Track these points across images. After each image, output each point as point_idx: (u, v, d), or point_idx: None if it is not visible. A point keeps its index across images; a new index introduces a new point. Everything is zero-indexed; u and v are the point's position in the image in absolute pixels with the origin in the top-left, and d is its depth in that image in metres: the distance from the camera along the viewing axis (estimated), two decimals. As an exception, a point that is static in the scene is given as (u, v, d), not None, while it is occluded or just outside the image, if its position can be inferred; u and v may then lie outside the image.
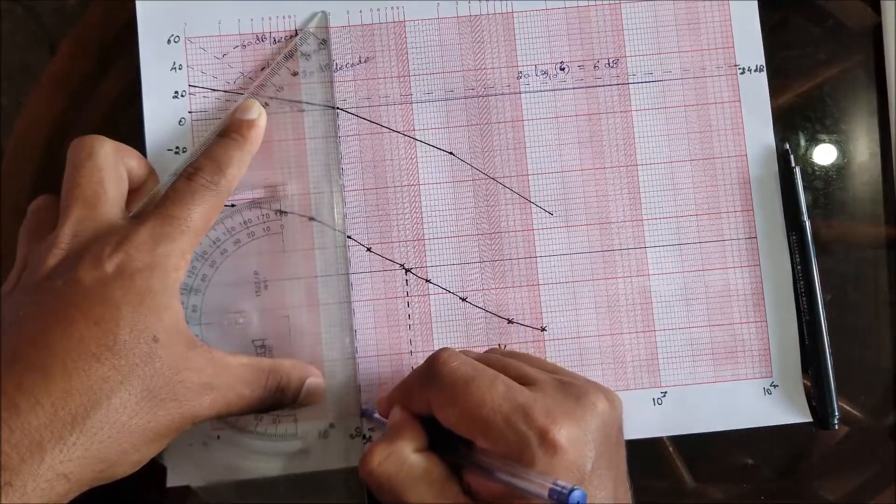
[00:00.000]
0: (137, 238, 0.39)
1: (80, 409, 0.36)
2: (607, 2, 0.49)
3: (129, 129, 0.47)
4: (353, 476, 0.46)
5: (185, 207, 0.41)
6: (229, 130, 0.44)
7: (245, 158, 0.44)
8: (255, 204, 0.47)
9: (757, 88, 0.48)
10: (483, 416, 0.37)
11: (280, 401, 0.43)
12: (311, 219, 0.47)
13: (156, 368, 0.38)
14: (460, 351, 0.41)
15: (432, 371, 0.39)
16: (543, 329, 0.47)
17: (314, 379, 0.44)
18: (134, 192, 0.44)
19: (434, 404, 0.39)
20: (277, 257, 0.47)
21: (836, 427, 0.47)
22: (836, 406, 0.46)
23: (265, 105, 0.46)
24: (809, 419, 0.47)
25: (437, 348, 0.45)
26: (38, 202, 0.44)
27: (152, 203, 0.43)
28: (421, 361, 0.45)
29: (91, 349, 0.37)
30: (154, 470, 0.45)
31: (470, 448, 0.38)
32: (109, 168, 0.42)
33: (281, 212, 0.47)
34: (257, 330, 0.47)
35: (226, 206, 0.46)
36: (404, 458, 0.38)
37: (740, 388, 0.47)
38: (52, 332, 0.37)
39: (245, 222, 0.47)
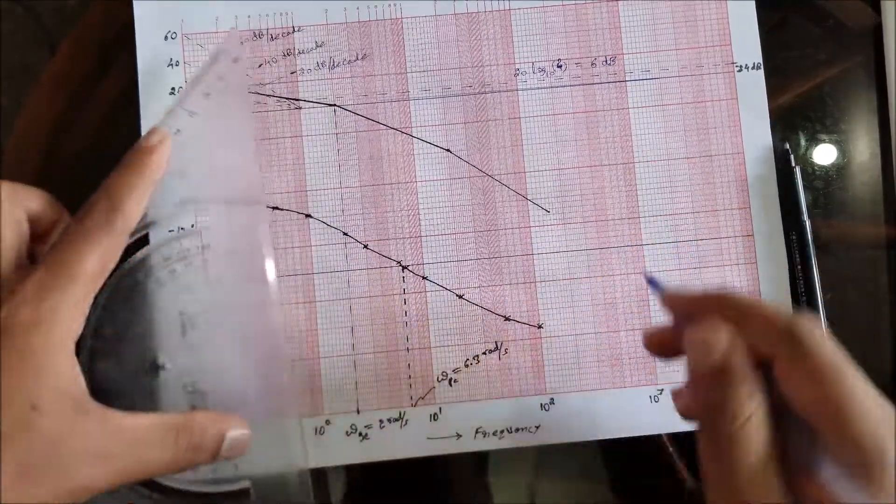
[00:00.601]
0: (22, 291, 0.35)
1: None
2: None
3: (129, 129, 0.48)
4: (349, 473, 0.46)
5: (76, 252, 0.36)
6: (128, 160, 0.40)
7: (145, 191, 0.39)
8: (175, 237, 0.44)
9: (754, 86, 0.48)
10: (848, 413, 0.31)
11: (195, 460, 0.38)
12: (308, 216, 0.47)
13: (33, 440, 0.34)
14: None
15: (800, 343, 0.32)
16: (540, 326, 0.47)
17: (236, 431, 0.39)
18: (44, 234, 0.41)
19: (793, 376, 0.32)
20: (202, 290, 0.43)
21: (836, 427, 0.46)
22: (835, 405, 0.46)
23: (263, 102, 0.46)
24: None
25: (433, 345, 0.45)
26: None
27: None
28: (418, 358, 0.46)
29: None
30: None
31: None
32: (2, 215, 0.38)
33: (204, 247, 0.43)
34: (186, 374, 0.42)
35: (140, 239, 0.43)
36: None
37: (737, 386, 0.47)
38: None
39: (165, 259, 0.43)
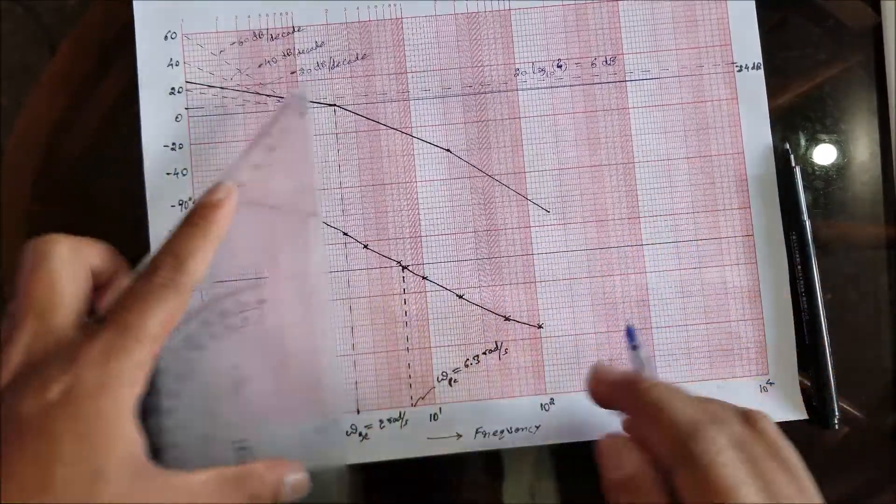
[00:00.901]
0: (87, 355, 0.34)
1: None
2: (605, -1, 0.49)
3: (129, 129, 0.48)
4: (347, 473, 0.46)
5: (141, 313, 0.36)
6: (192, 216, 0.39)
7: (210, 248, 0.39)
8: (230, 293, 0.43)
9: (754, 86, 0.48)
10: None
11: None
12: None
13: None
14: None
15: (696, 460, 0.34)
16: (540, 326, 0.47)
17: (294, 476, 0.40)
18: (104, 286, 0.40)
19: (687, 489, 0.34)
20: (258, 344, 0.42)
21: (837, 427, 0.46)
22: (836, 406, 0.46)
23: (263, 102, 0.47)
24: (805, 416, 0.47)
25: (433, 345, 0.45)
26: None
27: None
28: (418, 358, 0.46)
29: (26, 490, 0.33)
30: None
31: None
32: (65, 272, 0.37)
33: (262, 301, 0.43)
34: (235, 429, 0.42)
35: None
36: None
37: (737, 386, 0.47)
38: None
39: (221, 314, 0.42)
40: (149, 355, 0.36)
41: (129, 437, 0.35)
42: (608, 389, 0.40)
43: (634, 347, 0.42)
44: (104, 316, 0.36)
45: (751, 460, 0.35)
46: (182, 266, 0.37)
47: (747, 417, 0.37)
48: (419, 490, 0.47)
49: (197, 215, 0.39)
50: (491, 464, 0.47)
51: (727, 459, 0.34)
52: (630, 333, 0.43)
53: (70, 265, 0.38)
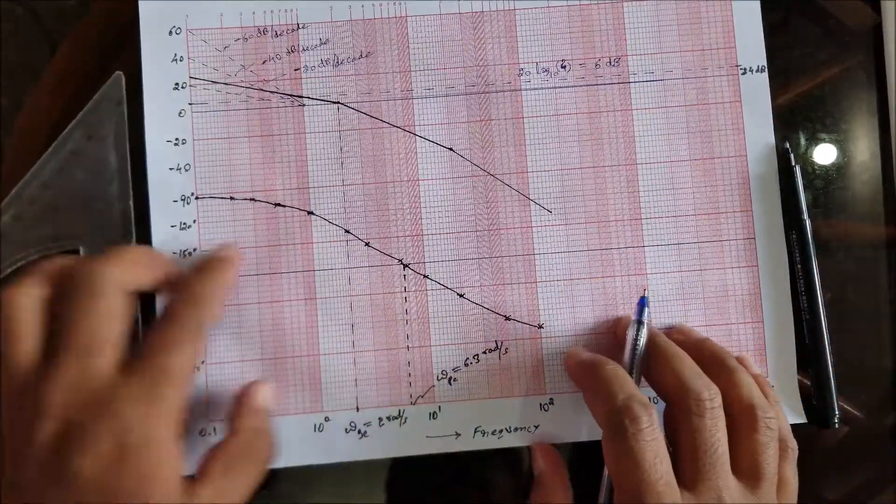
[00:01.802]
0: (131, 408, 0.36)
1: None
2: (609, 0, 0.49)
3: (129, 129, 0.48)
4: (345, 471, 0.46)
5: (173, 357, 0.38)
6: (210, 265, 0.43)
7: (224, 297, 0.44)
8: None
9: (758, 89, 0.48)
10: None
11: (264, 436, 0.43)
12: (310, 213, 0.47)
13: None
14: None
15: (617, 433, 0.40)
16: (541, 326, 0.47)
17: (263, 391, 0.45)
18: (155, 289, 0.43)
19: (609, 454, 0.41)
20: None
21: (837, 426, 0.46)
22: (836, 405, 0.46)
23: (266, 98, 0.46)
24: (804, 420, 0.47)
25: (433, 344, 0.45)
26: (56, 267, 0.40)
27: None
28: (418, 357, 0.46)
29: None
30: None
31: None
32: (113, 308, 0.38)
33: None
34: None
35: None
36: None
37: (737, 387, 0.47)
38: None
39: None
40: (182, 397, 0.38)
41: (176, 486, 0.37)
42: (575, 366, 0.45)
43: (639, 322, 0.44)
44: (141, 355, 0.38)
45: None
46: (206, 312, 0.40)
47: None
48: (418, 489, 0.47)
49: (214, 265, 0.43)
50: (490, 463, 0.47)
51: (647, 437, 0.38)
52: (640, 305, 0.45)
53: (119, 299, 0.39)
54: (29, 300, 0.38)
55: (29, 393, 0.36)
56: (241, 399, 0.44)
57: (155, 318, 0.41)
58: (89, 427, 0.35)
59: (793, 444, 0.43)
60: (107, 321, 0.38)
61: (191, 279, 0.42)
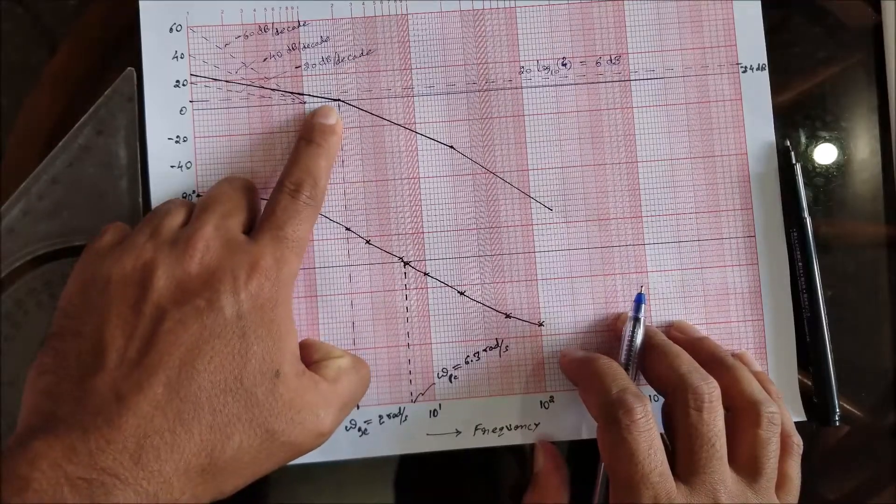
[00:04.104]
0: (265, 263, 0.39)
1: (218, 444, 0.36)
2: (610, -2, 0.49)
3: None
4: (344, 469, 0.46)
5: (294, 227, 0.41)
6: (313, 136, 0.45)
7: (330, 167, 0.46)
8: None
9: (759, 87, 0.48)
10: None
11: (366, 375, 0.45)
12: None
13: (278, 408, 0.38)
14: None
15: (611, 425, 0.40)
16: (541, 324, 0.47)
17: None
18: None
19: (604, 443, 0.41)
20: None
21: (837, 424, 0.47)
22: (836, 402, 0.46)
23: (267, 96, 0.47)
24: (804, 418, 0.47)
25: (434, 341, 0.46)
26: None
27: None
28: (418, 354, 0.46)
29: (229, 384, 0.37)
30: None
31: None
32: (247, 198, 0.44)
33: None
34: None
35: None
36: None
37: (737, 385, 0.47)
38: (199, 361, 0.37)
39: None
40: (299, 265, 0.42)
41: (294, 339, 0.40)
42: (570, 363, 0.45)
43: (636, 319, 0.44)
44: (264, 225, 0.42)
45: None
46: (318, 185, 0.43)
47: None
48: (418, 486, 0.47)
49: (318, 136, 0.45)
50: (490, 461, 0.47)
51: (641, 428, 0.39)
52: (637, 302, 0.45)
53: (251, 194, 0.45)
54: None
55: (180, 237, 0.40)
56: None
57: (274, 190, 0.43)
58: (231, 269, 0.39)
59: (797, 440, 0.43)
60: (237, 195, 0.43)
61: (300, 152, 0.45)
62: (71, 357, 0.37)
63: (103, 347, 0.37)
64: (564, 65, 0.48)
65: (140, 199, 0.47)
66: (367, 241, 0.47)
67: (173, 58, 0.48)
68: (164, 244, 0.40)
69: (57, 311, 0.40)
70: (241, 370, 0.37)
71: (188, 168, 0.47)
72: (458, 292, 0.47)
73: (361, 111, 0.48)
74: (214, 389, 0.36)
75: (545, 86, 0.48)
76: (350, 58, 0.48)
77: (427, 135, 0.48)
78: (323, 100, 0.48)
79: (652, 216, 0.48)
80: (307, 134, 0.45)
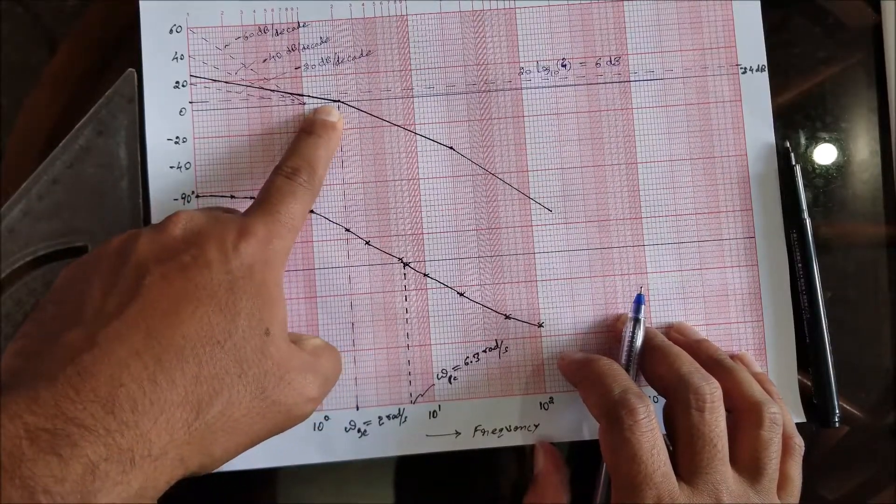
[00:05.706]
0: (256, 231, 0.39)
1: (205, 397, 0.35)
2: (610, -1, 0.49)
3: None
4: (344, 469, 0.46)
5: (288, 206, 0.41)
6: (314, 128, 0.46)
7: (329, 160, 0.46)
8: None
9: (758, 88, 0.48)
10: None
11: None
12: (311, 211, 0.47)
13: (268, 366, 0.37)
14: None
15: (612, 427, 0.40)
16: (540, 325, 0.47)
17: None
18: None
19: (605, 445, 0.41)
20: None
21: (837, 425, 0.46)
22: (836, 403, 0.46)
23: (267, 97, 0.47)
24: (803, 419, 0.47)
25: (433, 342, 0.46)
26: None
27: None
28: (417, 355, 0.46)
29: (216, 336, 0.36)
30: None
31: None
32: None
33: None
34: None
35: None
36: None
37: (737, 386, 0.47)
38: (183, 311, 0.36)
39: None
40: (291, 244, 0.42)
41: (283, 307, 0.40)
42: (569, 365, 0.45)
43: (636, 320, 0.45)
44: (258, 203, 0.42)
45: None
46: (315, 172, 0.44)
47: None
48: (417, 488, 0.47)
49: (319, 128, 0.46)
50: (490, 462, 0.47)
51: (644, 429, 0.39)
52: (637, 303, 0.45)
53: None
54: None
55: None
56: None
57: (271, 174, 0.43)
58: (218, 230, 0.39)
59: (799, 441, 0.43)
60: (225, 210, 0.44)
61: (299, 142, 0.45)
62: (49, 321, 0.37)
63: (81, 304, 0.36)
64: (564, 66, 0.48)
65: (140, 200, 0.47)
66: (367, 243, 0.47)
67: (173, 59, 0.48)
68: (149, 228, 0.40)
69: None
70: (230, 324, 0.36)
71: (187, 169, 0.47)
72: (458, 293, 0.47)
73: (361, 112, 0.48)
74: (200, 340, 0.35)
75: (545, 87, 0.48)
76: (350, 59, 0.48)
77: (427, 136, 0.48)
78: (322, 101, 0.48)
79: (652, 217, 0.48)
80: (308, 126, 0.46)
